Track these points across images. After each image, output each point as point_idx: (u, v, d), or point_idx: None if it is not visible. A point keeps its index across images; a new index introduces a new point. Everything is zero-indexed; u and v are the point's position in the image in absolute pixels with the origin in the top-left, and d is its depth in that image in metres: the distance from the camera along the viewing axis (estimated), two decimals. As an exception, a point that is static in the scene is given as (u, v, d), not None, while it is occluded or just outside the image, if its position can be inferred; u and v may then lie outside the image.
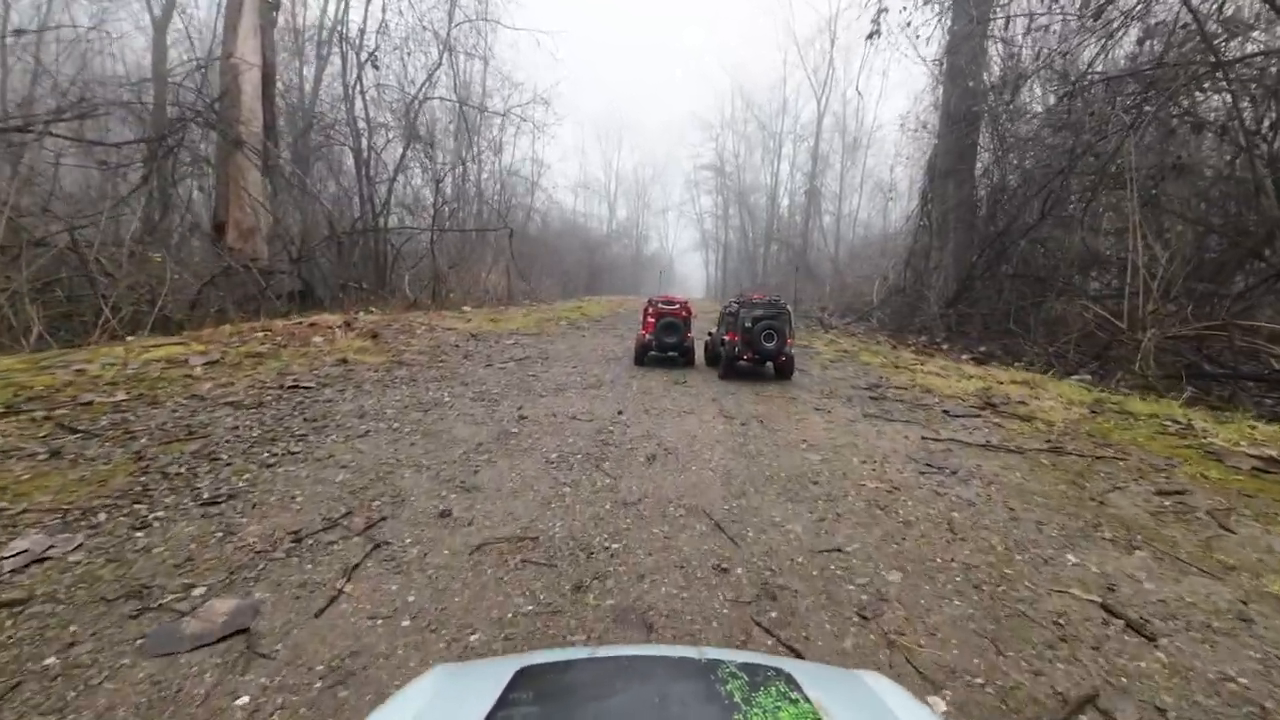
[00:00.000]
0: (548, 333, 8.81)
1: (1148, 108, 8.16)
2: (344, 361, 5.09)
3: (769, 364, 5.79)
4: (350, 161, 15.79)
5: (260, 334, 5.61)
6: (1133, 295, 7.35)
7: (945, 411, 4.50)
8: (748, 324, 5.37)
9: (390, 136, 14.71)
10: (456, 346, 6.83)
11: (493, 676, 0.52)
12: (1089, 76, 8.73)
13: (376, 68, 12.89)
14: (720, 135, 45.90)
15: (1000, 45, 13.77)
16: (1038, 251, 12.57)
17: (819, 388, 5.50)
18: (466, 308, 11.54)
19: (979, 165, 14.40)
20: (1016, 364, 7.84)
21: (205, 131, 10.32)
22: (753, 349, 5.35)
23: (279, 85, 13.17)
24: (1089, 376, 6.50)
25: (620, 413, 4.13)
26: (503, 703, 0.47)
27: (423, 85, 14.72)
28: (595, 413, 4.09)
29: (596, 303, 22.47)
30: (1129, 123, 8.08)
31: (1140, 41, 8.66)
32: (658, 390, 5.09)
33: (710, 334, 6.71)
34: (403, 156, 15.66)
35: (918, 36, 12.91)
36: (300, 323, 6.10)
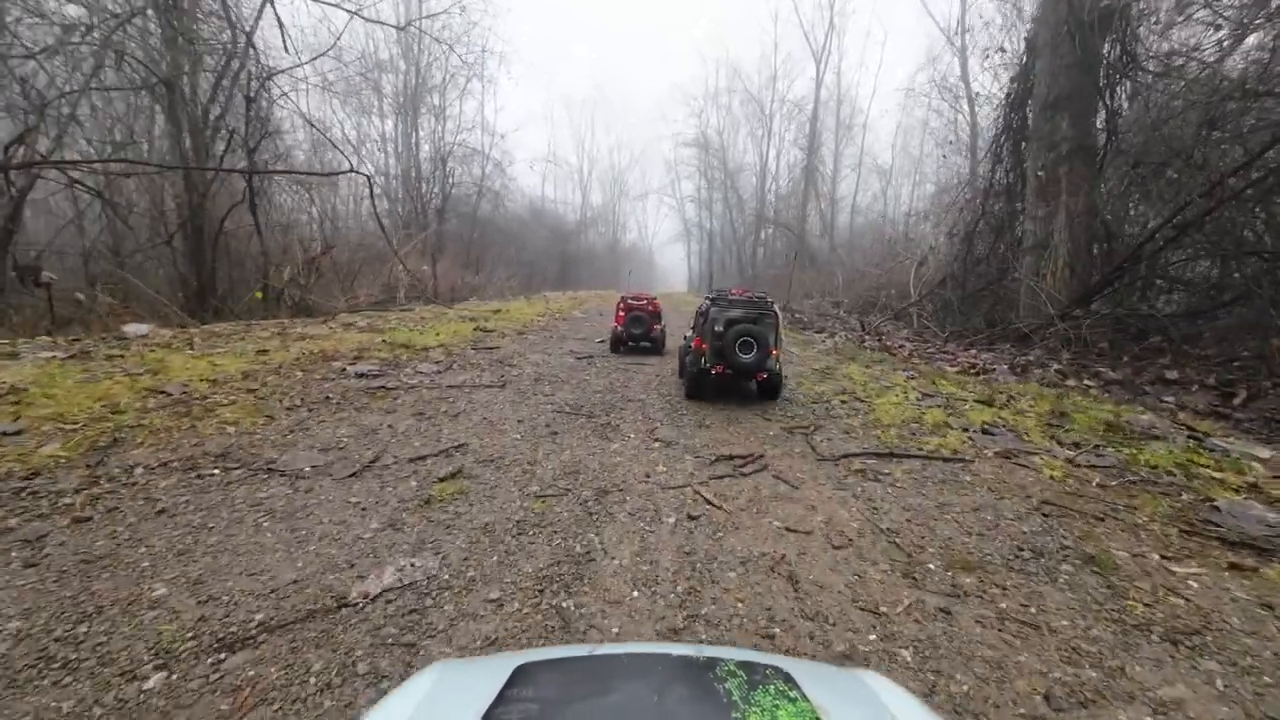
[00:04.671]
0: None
1: None
2: None
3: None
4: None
5: None
6: None
7: None
8: (719, 328, 3.67)
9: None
10: None
11: (491, 673, 0.49)
12: None
13: None
14: (704, 110, 39.22)
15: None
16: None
17: None
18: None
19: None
20: None
21: None
22: (724, 361, 3.64)
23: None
24: None
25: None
26: (501, 699, 0.44)
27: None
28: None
29: (544, 302, 15.85)
30: None
31: None
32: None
33: (685, 336, 4.67)
34: (230, 64, 9.04)
35: None
36: None
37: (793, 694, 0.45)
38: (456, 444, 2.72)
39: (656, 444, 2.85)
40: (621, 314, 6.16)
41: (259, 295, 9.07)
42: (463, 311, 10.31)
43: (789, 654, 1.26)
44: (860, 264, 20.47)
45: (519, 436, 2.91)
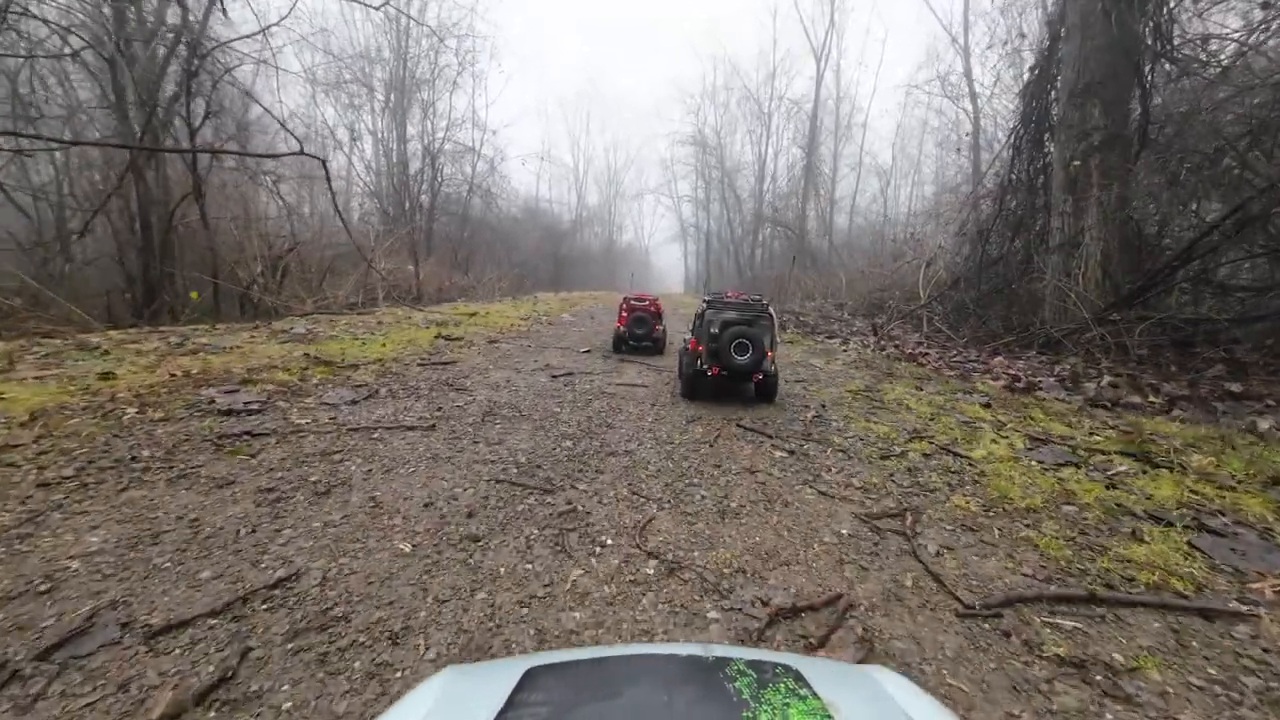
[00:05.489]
0: None
1: None
2: None
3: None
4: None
5: None
6: None
7: None
8: (715, 329, 3.65)
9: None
10: None
11: (501, 677, 0.48)
12: None
13: None
14: (701, 108, 37.94)
15: None
16: None
17: None
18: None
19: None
20: None
21: None
22: (720, 363, 3.59)
23: None
24: None
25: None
26: (511, 703, 0.43)
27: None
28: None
29: (531, 303, 14.52)
30: None
31: None
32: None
33: (685, 339, 4.39)
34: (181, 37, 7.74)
35: None
36: None
37: (803, 692, 0.44)
38: (281, 575, 1.44)
39: (652, 565, 1.56)
40: (625, 314, 6.19)
41: (195, 296, 7.74)
42: (434, 315, 8.99)
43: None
44: (862, 264, 19.42)
45: (408, 548, 1.61)
